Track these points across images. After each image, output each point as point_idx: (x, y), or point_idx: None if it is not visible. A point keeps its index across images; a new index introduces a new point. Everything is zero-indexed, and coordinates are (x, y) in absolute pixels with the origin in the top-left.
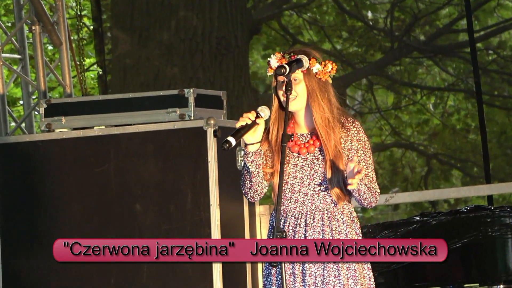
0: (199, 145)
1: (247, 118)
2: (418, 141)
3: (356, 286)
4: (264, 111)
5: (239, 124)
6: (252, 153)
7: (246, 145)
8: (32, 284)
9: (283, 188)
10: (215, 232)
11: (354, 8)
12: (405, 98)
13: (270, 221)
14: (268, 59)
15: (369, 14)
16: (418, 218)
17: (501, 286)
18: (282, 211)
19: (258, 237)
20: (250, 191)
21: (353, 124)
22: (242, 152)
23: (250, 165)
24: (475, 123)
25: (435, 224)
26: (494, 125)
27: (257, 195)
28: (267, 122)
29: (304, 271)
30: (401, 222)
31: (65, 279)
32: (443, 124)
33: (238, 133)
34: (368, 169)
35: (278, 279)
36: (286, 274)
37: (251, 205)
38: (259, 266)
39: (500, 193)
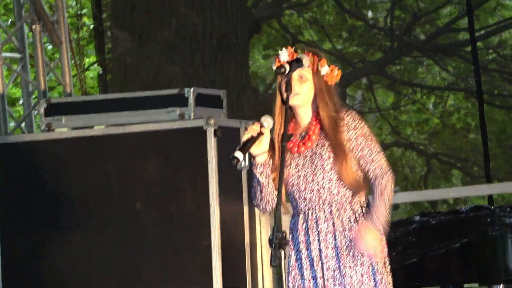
0: (199, 144)
1: (252, 130)
2: (418, 140)
3: (377, 273)
4: (267, 120)
5: (245, 137)
6: (261, 164)
7: (253, 157)
8: (32, 284)
9: (292, 190)
10: (215, 232)
11: (354, 7)
12: (405, 97)
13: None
14: (279, 52)
15: (369, 14)
16: (418, 218)
17: (501, 286)
18: (297, 211)
19: (258, 237)
20: (262, 202)
21: (347, 113)
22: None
23: (260, 176)
24: (475, 122)
25: (435, 224)
26: (494, 124)
27: (269, 206)
28: (271, 131)
29: (322, 266)
30: (401, 222)
31: (66, 279)
32: (443, 123)
33: (245, 146)
34: (373, 154)
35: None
36: (307, 271)
37: (251, 205)
38: (259, 266)
39: (500, 192)
